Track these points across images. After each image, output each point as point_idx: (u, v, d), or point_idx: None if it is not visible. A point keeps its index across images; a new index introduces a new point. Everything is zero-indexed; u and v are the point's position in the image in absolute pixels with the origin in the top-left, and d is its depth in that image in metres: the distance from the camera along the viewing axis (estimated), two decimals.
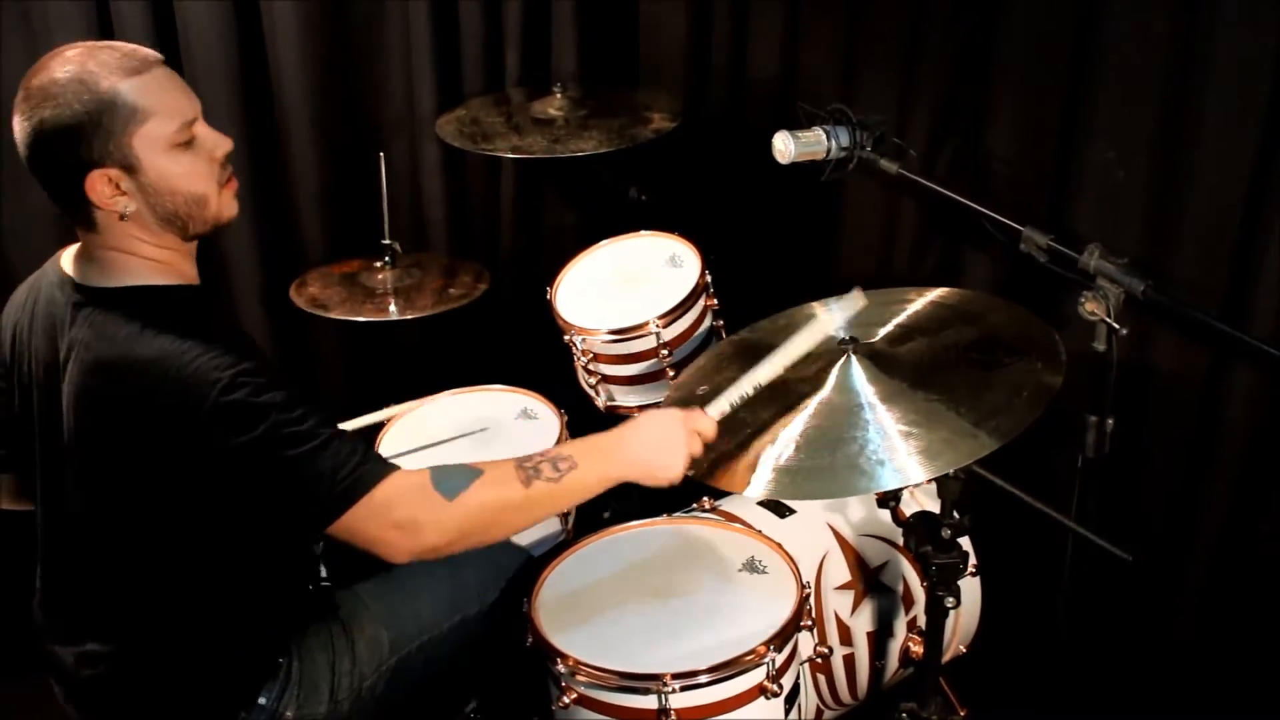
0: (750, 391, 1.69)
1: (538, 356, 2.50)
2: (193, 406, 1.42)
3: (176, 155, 1.52)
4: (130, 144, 1.48)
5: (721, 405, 1.68)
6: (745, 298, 2.28)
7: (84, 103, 1.45)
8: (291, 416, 1.45)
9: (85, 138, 1.46)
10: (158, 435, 1.45)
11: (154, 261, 1.56)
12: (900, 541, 2.01)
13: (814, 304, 1.96)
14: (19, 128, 1.48)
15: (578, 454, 1.61)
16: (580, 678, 1.69)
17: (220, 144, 1.58)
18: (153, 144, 1.49)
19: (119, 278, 1.54)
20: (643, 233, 2.41)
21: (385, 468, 1.50)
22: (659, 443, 1.64)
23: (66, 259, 1.62)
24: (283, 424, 1.44)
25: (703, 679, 1.65)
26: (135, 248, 1.55)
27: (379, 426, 2.33)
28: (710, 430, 1.67)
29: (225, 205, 1.60)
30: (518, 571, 1.92)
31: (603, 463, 1.63)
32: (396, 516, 1.49)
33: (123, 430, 1.48)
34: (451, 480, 1.53)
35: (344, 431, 1.50)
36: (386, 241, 2.65)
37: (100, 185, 1.49)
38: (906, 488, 2.13)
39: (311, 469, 1.45)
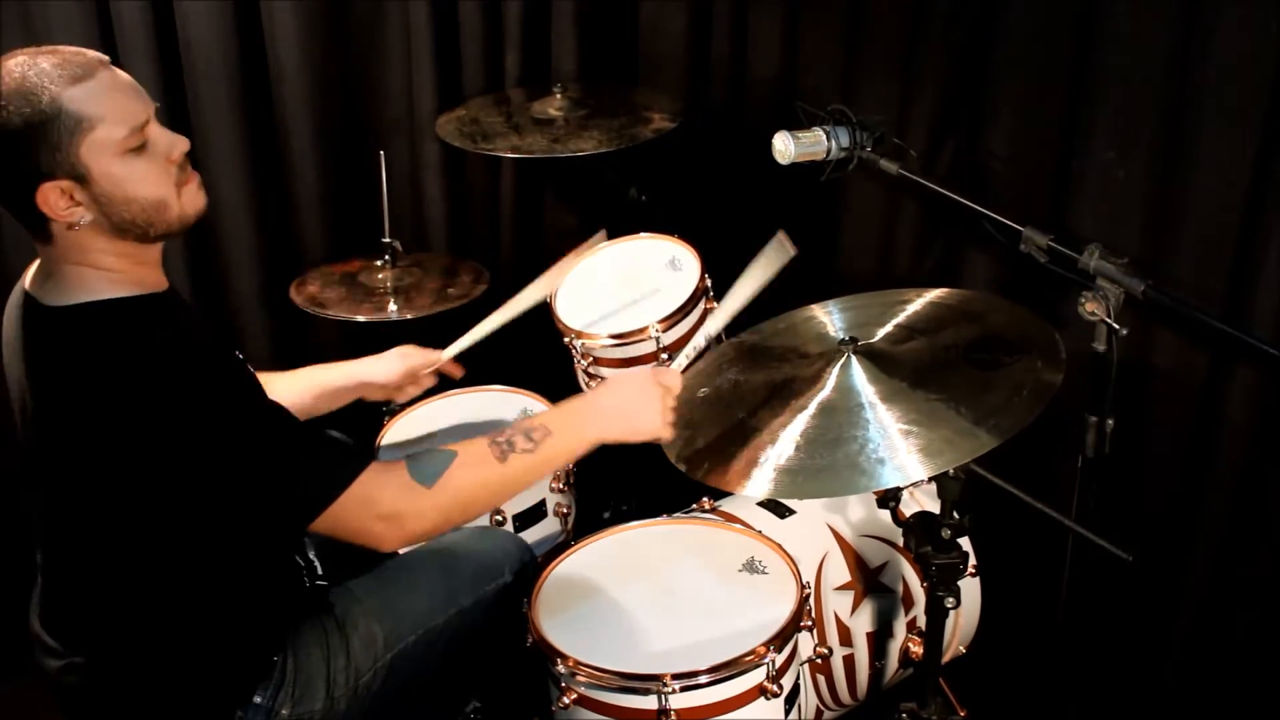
0: (702, 343, 1.79)
1: (538, 357, 2.50)
2: (150, 430, 1.41)
3: (129, 161, 1.47)
4: (78, 153, 1.43)
5: (680, 360, 1.78)
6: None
7: (24, 115, 1.40)
8: (258, 422, 1.45)
9: (30, 150, 1.42)
10: (120, 458, 1.44)
11: (112, 272, 1.52)
12: (900, 542, 2.01)
13: (814, 307, 1.98)
14: None
15: (551, 421, 1.64)
16: (580, 678, 1.69)
17: (176, 144, 1.53)
18: (102, 151, 1.44)
19: (74, 294, 1.50)
20: (642, 235, 2.41)
21: (359, 462, 1.51)
22: (632, 398, 1.68)
23: (29, 278, 1.59)
24: (249, 431, 1.44)
25: (703, 679, 1.65)
26: (93, 259, 1.51)
27: (377, 427, 2.33)
28: (676, 382, 1.73)
29: (189, 203, 1.55)
30: (514, 566, 1.92)
31: (578, 425, 1.66)
32: (379, 509, 1.50)
33: (87, 449, 1.46)
34: (428, 466, 1.54)
35: (317, 429, 1.51)
36: (386, 240, 2.65)
37: (53, 197, 1.44)
38: (906, 488, 2.13)
39: (286, 470, 1.46)
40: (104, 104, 1.44)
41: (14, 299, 1.60)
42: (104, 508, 1.51)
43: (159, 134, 1.51)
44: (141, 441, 1.42)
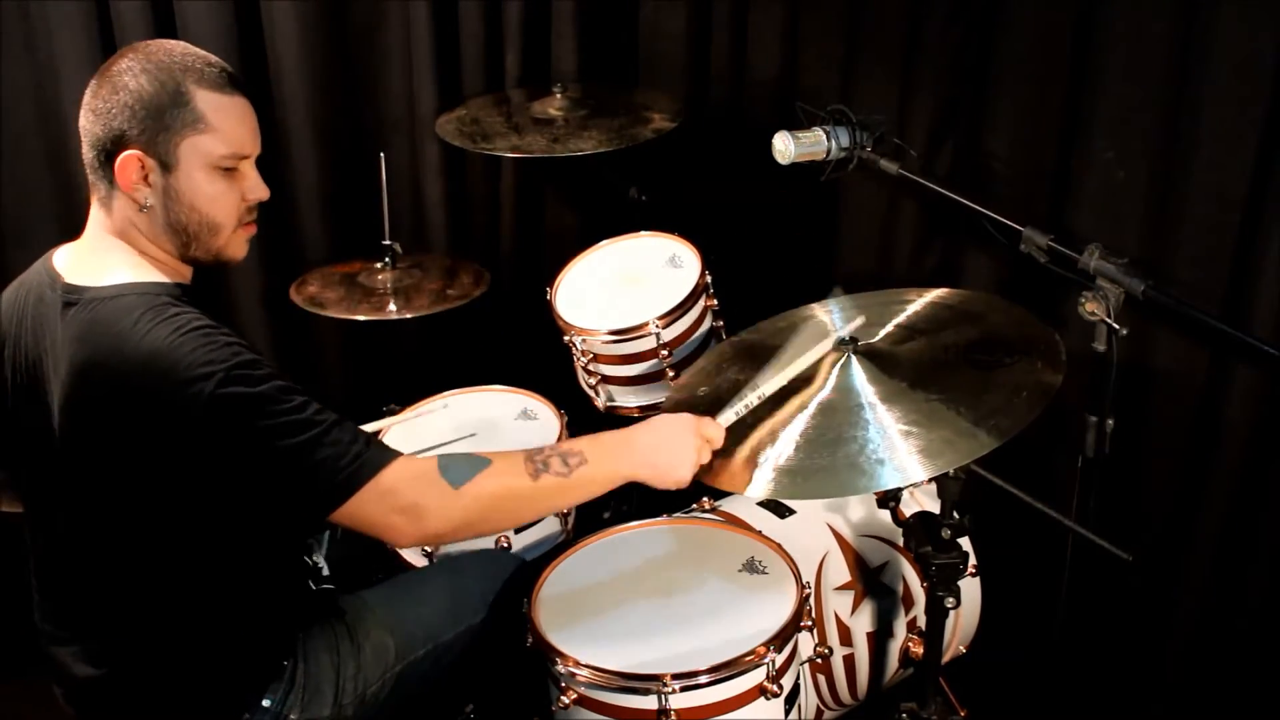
0: (755, 402, 1.71)
1: (538, 356, 2.50)
2: (188, 402, 1.41)
3: (213, 176, 1.56)
4: (178, 145, 1.52)
5: (728, 415, 1.70)
6: (745, 298, 2.29)
7: (159, 84, 1.51)
8: (290, 405, 1.45)
9: (141, 118, 1.51)
10: (153, 434, 1.44)
11: (151, 258, 1.58)
12: (900, 542, 2.01)
13: (815, 308, 1.98)
14: (105, 81, 1.52)
15: (588, 450, 1.62)
16: (580, 678, 1.69)
17: (258, 190, 1.62)
18: (197, 155, 1.54)
19: (112, 274, 1.53)
20: (643, 233, 2.41)
21: (389, 453, 1.51)
22: (669, 446, 1.65)
23: (58, 258, 1.61)
24: (282, 413, 1.44)
25: (703, 679, 1.65)
26: (139, 243, 1.57)
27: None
28: (719, 438, 1.68)
29: (235, 243, 1.63)
30: (516, 576, 1.92)
31: (613, 461, 1.63)
32: (401, 502, 1.49)
33: (116, 431, 1.47)
34: (459, 468, 1.53)
35: (344, 419, 1.50)
36: (387, 242, 2.65)
37: (131, 167, 1.52)
38: (906, 488, 2.13)
39: (314, 455, 1.45)
40: (225, 120, 1.55)
41: (40, 279, 1.60)
42: (130, 491, 1.50)
43: (250, 172, 1.61)
44: (176, 423, 1.42)
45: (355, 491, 1.46)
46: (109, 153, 1.52)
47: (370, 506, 1.48)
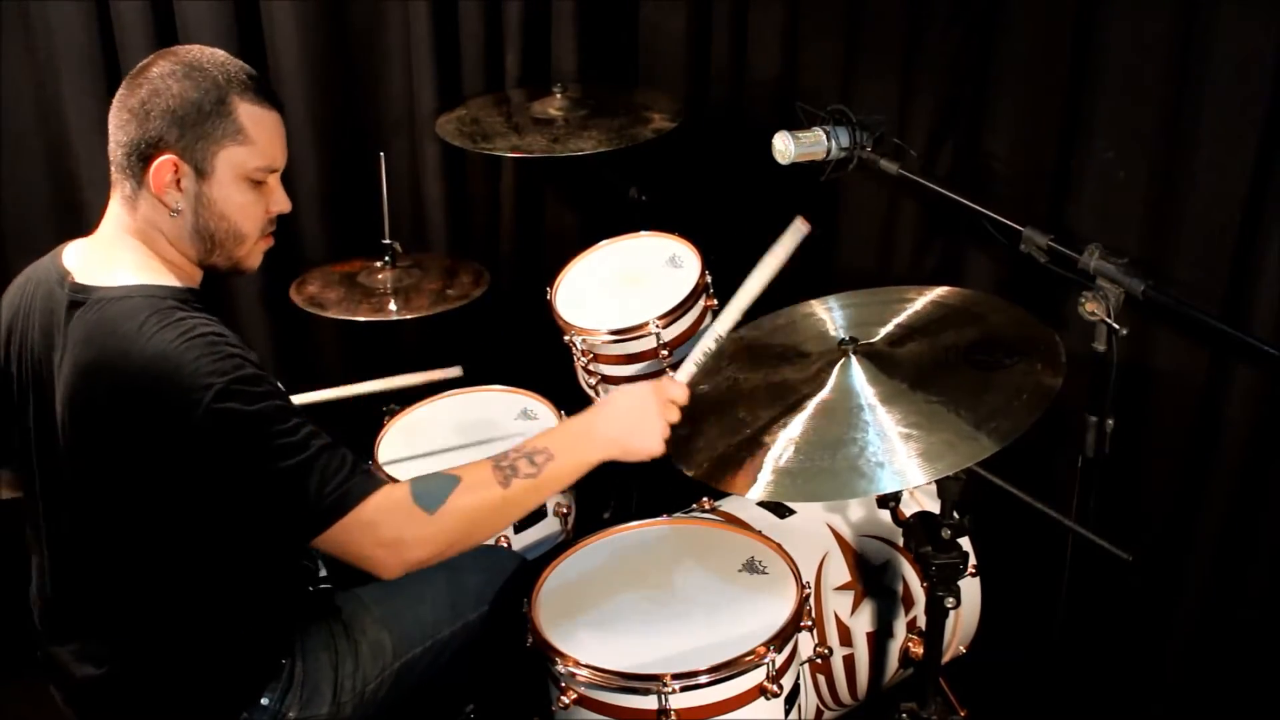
0: (712, 346, 1.73)
1: (538, 356, 2.50)
2: (185, 410, 1.41)
3: (244, 187, 1.58)
4: (216, 154, 1.54)
5: (688, 368, 1.72)
6: None
7: (203, 91, 1.52)
8: (284, 428, 1.45)
9: (183, 123, 1.52)
10: (153, 436, 1.44)
11: (166, 261, 1.58)
12: (900, 542, 2.01)
13: (815, 305, 1.98)
14: (144, 82, 1.52)
15: (553, 444, 1.63)
16: (580, 678, 1.69)
17: (281, 203, 1.65)
18: (232, 166, 1.56)
19: (122, 274, 1.54)
20: (643, 233, 2.41)
21: (371, 484, 1.50)
22: (632, 417, 1.66)
23: (68, 254, 1.61)
24: (274, 435, 1.44)
25: (703, 679, 1.65)
26: (155, 240, 1.57)
27: (377, 426, 2.33)
28: (682, 395, 1.70)
29: (253, 254, 1.65)
30: (517, 573, 1.92)
31: (579, 448, 1.64)
32: (381, 535, 1.50)
33: (118, 432, 1.47)
34: (431, 493, 1.53)
35: (335, 444, 1.50)
36: (386, 241, 2.65)
37: (166, 171, 1.53)
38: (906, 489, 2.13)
39: (300, 482, 1.45)
40: (263, 133, 1.58)
41: (48, 276, 1.60)
42: (131, 491, 1.50)
43: (276, 186, 1.64)
44: (172, 429, 1.42)
45: (337, 520, 1.47)
46: (144, 155, 1.53)
47: (352, 537, 1.49)
